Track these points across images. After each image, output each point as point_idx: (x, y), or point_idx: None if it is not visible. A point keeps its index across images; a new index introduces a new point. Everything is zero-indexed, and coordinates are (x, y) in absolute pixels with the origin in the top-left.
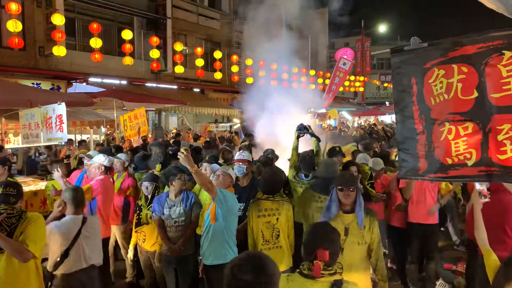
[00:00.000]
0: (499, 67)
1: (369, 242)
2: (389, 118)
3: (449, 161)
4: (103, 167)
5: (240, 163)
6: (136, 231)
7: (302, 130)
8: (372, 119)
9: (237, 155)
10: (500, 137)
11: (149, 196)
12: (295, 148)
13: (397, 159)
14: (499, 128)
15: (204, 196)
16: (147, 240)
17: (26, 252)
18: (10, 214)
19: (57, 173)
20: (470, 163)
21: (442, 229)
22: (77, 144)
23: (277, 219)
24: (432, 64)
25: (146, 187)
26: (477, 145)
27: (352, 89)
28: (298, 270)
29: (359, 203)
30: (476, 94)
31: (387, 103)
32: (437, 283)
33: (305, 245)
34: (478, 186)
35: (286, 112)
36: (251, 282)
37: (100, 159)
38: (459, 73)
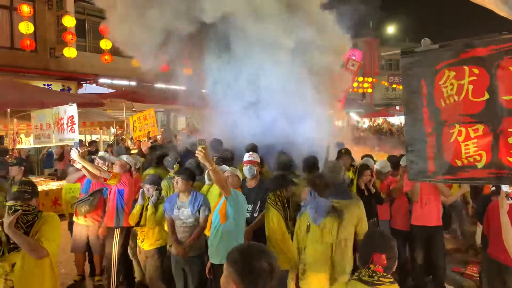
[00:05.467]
0: (511, 69)
1: (331, 243)
2: (397, 120)
3: (459, 163)
4: (128, 166)
5: (251, 165)
6: (135, 229)
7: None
8: (380, 120)
9: (247, 157)
10: (510, 140)
11: (150, 198)
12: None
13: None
14: (510, 131)
15: (212, 197)
16: (145, 241)
17: (41, 250)
18: (26, 211)
19: (74, 152)
20: (480, 165)
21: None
22: (87, 145)
23: (267, 223)
24: (442, 66)
25: (147, 189)
26: (488, 147)
27: (360, 90)
28: (355, 277)
29: (310, 201)
30: (487, 96)
31: (397, 107)
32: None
33: (361, 252)
34: (504, 188)
35: None
36: (265, 268)
37: (128, 158)
38: (470, 75)
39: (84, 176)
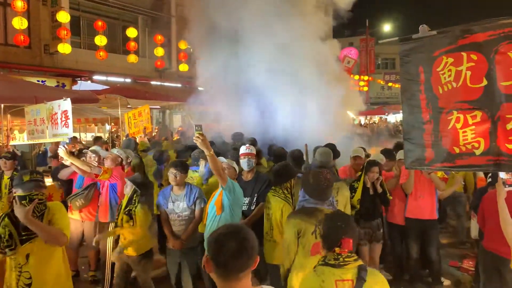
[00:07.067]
0: (509, 54)
1: None
2: (393, 118)
3: (457, 150)
4: (120, 159)
5: (249, 157)
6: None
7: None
8: (376, 119)
9: (244, 149)
10: (509, 126)
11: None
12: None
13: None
14: (508, 117)
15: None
16: (128, 244)
17: (63, 237)
18: (40, 200)
19: (62, 150)
20: (478, 152)
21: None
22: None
23: (272, 213)
24: (440, 52)
25: (126, 186)
26: (486, 134)
27: (356, 89)
28: (321, 262)
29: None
30: (485, 82)
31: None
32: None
33: (327, 236)
34: (502, 175)
35: None
36: (235, 249)
37: (119, 152)
38: (468, 61)
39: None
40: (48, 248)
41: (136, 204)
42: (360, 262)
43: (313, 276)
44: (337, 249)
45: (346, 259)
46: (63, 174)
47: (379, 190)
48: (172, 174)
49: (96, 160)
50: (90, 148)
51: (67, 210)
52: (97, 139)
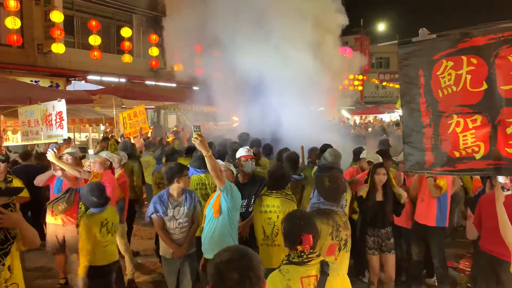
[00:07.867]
0: (509, 58)
1: None
2: (388, 117)
3: (457, 154)
4: (108, 163)
5: (252, 159)
6: None
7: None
8: (370, 118)
9: (245, 151)
10: (509, 130)
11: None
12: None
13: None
14: (508, 121)
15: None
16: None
17: (38, 236)
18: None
19: (50, 153)
20: (478, 156)
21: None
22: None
23: (278, 216)
24: (440, 56)
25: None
26: (486, 138)
27: (351, 88)
28: (285, 261)
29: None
30: (485, 86)
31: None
32: (432, 280)
33: (288, 234)
34: (501, 179)
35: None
36: (237, 280)
37: (107, 154)
38: (468, 65)
39: (54, 176)
40: (17, 253)
41: (82, 215)
42: (322, 258)
43: (279, 276)
44: (299, 247)
45: (309, 256)
46: (40, 180)
47: (402, 194)
48: (187, 177)
49: (72, 162)
50: (66, 150)
51: (46, 215)
52: (105, 140)
